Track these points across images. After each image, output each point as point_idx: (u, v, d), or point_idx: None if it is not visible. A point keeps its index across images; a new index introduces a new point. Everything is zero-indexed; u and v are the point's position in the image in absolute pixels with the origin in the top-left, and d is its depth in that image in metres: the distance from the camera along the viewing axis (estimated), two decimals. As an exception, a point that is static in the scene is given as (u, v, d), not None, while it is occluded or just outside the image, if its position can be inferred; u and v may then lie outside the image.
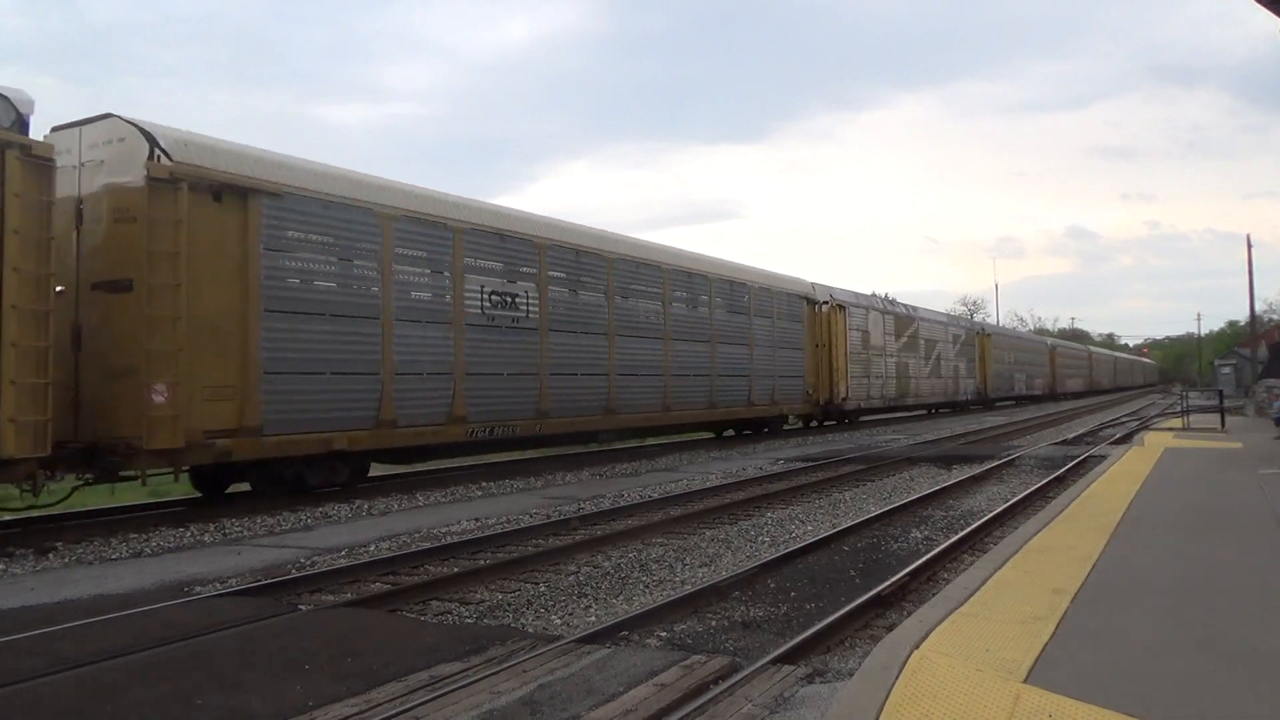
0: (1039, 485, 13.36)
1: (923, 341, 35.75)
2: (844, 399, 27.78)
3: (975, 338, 44.26)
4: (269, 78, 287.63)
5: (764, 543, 9.65)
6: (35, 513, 11.40)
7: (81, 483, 10.95)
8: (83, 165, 10.81)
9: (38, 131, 9.89)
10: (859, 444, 22.45)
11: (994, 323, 69.58)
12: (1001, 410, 45.10)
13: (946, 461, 17.91)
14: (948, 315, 44.27)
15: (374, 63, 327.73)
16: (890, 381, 32.06)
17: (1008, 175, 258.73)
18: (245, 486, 12.57)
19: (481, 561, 8.56)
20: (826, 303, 27.44)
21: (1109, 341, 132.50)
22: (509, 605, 7.14)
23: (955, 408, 41.48)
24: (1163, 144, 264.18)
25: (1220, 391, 33.00)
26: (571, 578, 8.02)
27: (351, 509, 11.87)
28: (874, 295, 33.82)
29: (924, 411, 38.44)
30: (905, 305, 35.81)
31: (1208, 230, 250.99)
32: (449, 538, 9.71)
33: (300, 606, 6.87)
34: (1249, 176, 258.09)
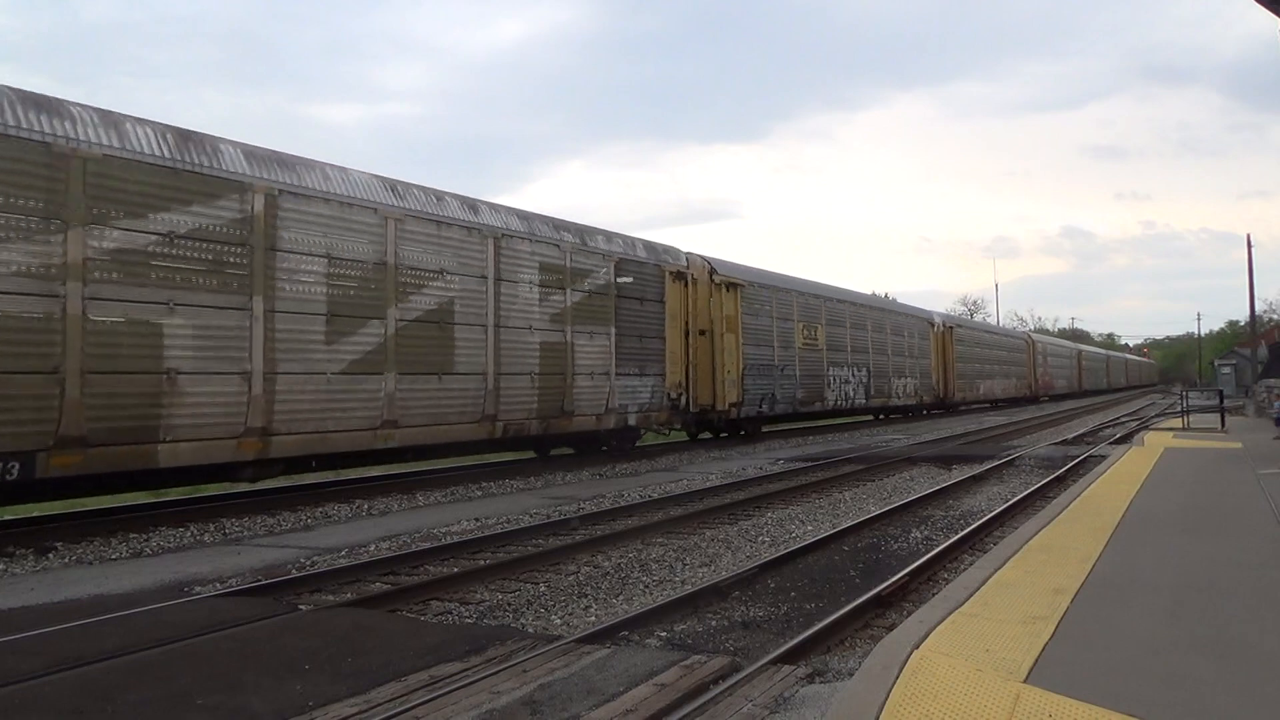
0: (1039, 485, 13.36)
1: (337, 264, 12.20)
2: None
3: (667, 284, 19.33)
4: (263, 77, 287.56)
5: (764, 542, 9.65)
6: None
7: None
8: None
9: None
10: (858, 444, 22.44)
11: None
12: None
13: (946, 461, 17.91)
14: (556, 223, 16.61)
15: (368, 62, 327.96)
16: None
17: (1003, 175, 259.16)
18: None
19: (481, 561, 8.56)
20: None
21: (1109, 341, 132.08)
22: (509, 605, 7.14)
23: (581, 447, 18.01)
24: (1157, 143, 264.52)
25: (1220, 391, 32.91)
26: (571, 578, 8.02)
27: (351, 509, 11.88)
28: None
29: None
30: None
31: (1203, 230, 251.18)
32: (449, 537, 9.71)
33: (300, 606, 6.88)
34: (1244, 176, 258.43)
